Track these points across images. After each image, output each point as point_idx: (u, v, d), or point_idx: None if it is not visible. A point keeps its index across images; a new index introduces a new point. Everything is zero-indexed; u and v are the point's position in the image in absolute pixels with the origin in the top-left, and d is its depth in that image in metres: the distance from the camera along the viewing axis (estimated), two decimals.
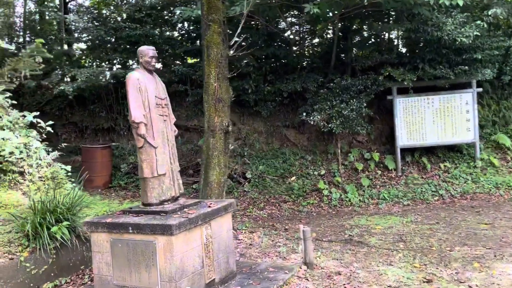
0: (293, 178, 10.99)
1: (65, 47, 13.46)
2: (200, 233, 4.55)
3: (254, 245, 6.76)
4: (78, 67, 11.76)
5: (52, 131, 8.31)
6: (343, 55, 12.32)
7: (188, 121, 12.43)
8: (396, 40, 13.33)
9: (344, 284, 4.93)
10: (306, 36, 13.27)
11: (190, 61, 13.09)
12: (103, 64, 13.00)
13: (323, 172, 11.03)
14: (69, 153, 13.00)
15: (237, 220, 8.55)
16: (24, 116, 8.11)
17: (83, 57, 13.55)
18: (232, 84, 11.56)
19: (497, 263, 5.45)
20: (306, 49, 13.32)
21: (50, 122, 8.27)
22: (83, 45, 13.55)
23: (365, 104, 10.39)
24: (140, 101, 4.65)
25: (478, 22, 9.58)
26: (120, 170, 11.81)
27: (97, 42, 12.01)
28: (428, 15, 9.77)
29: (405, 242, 6.70)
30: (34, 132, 8.10)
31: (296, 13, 12.10)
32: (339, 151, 11.17)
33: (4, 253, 5.25)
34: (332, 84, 10.76)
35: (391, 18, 11.73)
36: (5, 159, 7.12)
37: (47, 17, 14.13)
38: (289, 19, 12.62)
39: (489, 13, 9.24)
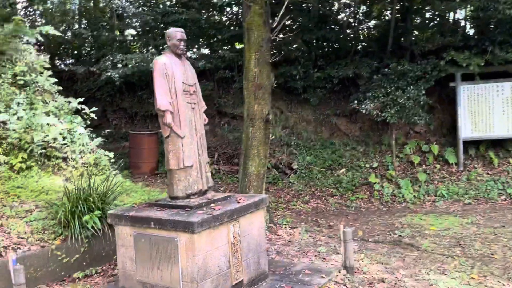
0: (342, 170, 10.37)
1: (117, 33, 13.60)
2: (226, 231, 4.20)
3: (293, 242, 6.33)
4: (126, 53, 11.79)
5: (96, 117, 8.32)
6: (401, 38, 11.37)
7: (235, 109, 12.14)
8: (462, 21, 12.12)
9: None
10: (362, 18, 12.41)
11: (238, 46, 12.72)
12: (153, 50, 12.98)
13: (375, 164, 10.31)
14: (120, 139, 13.24)
15: (278, 213, 8.16)
16: (69, 102, 8.17)
17: (133, 44, 13.63)
18: (279, 70, 11.13)
19: None
20: (361, 32, 12.47)
21: (94, 109, 8.28)
22: (133, 31, 13.63)
23: (423, 92, 9.49)
24: (167, 87, 4.34)
25: None
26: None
27: (146, 28, 11.97)
28: None
29: (463, 247, 5.96)
30: (79, 118, 8.15)
31: None
32: (394, 142, 10.36)
33: (36, 240, 5.23)
34: (387, 70, 9.94)
35: None
36: (49, 144, 7.19)
37: (101, 4, 14.38)
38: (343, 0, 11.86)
39: None
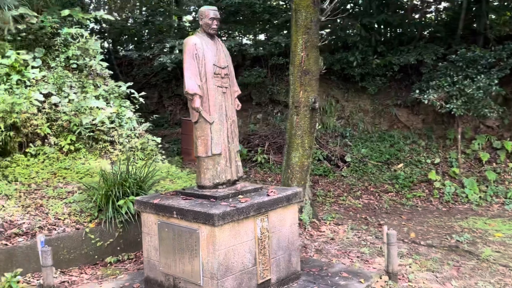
0: (400, 165, 9.63)
1: (175, 19, 13.65)
2: (253, 225, 3.89)
3: (335, 240, 5.89)
4: (182, 39, 11.77)
5: (144, 101, 8.34)
6: (474, 21, 10.28)
7: (288, 97, 11.70)
8: None
9: None
10: (430, 0, 11.39)
11: None
12: None
13: (437, 160, 9.46)
14: (174, 125, 13.35)
15: (324, 208, 7.70)
16: (119, 86, 8.23)
17: (190, 30, 13.61)
18: (335, 56, 10.54)
19: None
20: (428, 16, 11.45)
21: (143, 94, 8.29)
22: (190, 17, 13.61)
23: (496, 81, 8.46)
24: (196, 69, 4.08)
25: None
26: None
27: None
28: None
29: None
30: (128, 102, 8.20)
31: None
32: (460, 136, 9.42)
33: (72, 222, 5.26)
34: (454, 57, 8.98)
35: None
36: (97, 128, 7.28)
37: None
38: None
39: None
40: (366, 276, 4.43)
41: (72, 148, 6.96)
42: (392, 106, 10.78)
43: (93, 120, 7.18)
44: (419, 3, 11.32)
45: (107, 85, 8.21)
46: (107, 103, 7.78)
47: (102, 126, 7.29)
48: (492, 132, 9.83)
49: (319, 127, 7.94)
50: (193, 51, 4.09)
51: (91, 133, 7.16)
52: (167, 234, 4.02)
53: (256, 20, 11.83)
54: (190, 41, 4.14)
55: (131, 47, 14.75)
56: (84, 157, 7.05)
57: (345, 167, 9.90)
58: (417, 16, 11.09)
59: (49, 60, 7.62)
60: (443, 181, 8.73)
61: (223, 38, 13.00)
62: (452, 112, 8.68)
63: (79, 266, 4.99)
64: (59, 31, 7.77)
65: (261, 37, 12.45)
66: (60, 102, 7.17)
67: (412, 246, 5.69)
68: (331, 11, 6.47)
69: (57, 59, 7.64)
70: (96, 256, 5.17)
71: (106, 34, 14.48)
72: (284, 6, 12.35)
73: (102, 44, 15.72)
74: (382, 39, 10.62)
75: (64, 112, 7.06)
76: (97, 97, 7.71)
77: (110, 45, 14.77)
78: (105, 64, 8.27)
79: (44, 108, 6.91)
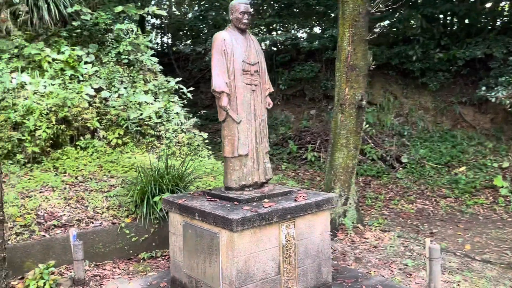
0: (462, 168, 8.86)
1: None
2: (277, 232, 3.67)
3: (378, 249, 5.49)
4: None
5: (192, 97, 8.35)
6: None
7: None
8: None
9: None
10: None
11: None
12: (264, 30, 12.70)
13: (506, 164, 8.58)
14: None
15: (372, 212, 7.25)
16: (168, 81, 8.31)
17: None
18: (392, 50, 9.90)
19: None
20: (501, 5, 10.38)
21: (191, 89, 8.31)
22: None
23: None
24: (224, 66, 3.91)
25: None
26: (269, 140, 11.49)
27: (254, 7, 11.69)
28: None
29: None
30: (176, 97, 8.27)
31: None
32: None
33: (110, 216, 5.34)
34: None
35: None
36: (144, 122, 7.40)
37: None
38: None
39: None
40: None
41: (119, 142, 7.13)
42: (456, 103, 9.96)
43: (140, 115, 7.30)
44: None
45: (157, 80, 8.32)
46: (155, 98, 7.89)
47: (149, 121, 7.40)
48: None
49: (366, 126, 7.47)
50: (222, 47, 3.93)
51: (138, 128, 7.28)
52: (191, 235, 3.92)
53: (311, 13, 11.45)
54: (219, 36, 3.99)
55: (189, 42, 14.97)
56: (131, 151, 7.19)
57: (400, 168, 9.30)
58: (488, 5, 10.09)
59: (101, 56, 7.86)
60: (511, 188, 7.89)
61: (278, 32, 12.78)
62: None
63: (113, 260, 5.06)
64: (111, 27, 7.98)
65: (316, 30, 12.03)
66: (110, 96, 7.37)
67: (465, 260, 5.15)
68: (384, 1, 6.01)
69: (109, 54, 7.85)
70: (131, 251, 5.22)
71: (165, 29, 14.81)
72: None
73: (162, 39, 16.20)
74: (446, 30, 9.78)
75: (113, 107, 7.24)
76: (146, 92, 7.84)
77: (169, 39, 15.09)
78: (155, 59, 8.37)
79: (94, 103, 7.13)
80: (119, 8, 8.13)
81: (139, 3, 8.62)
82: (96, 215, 5.27)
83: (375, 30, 10.44)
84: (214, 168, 7.37)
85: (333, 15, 11.74)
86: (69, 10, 7.44)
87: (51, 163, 6.37)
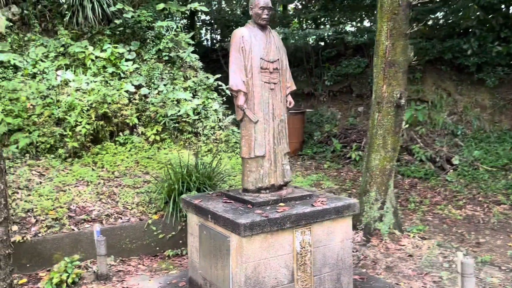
0: None
1: (280, 8, 13.43)
2: (291, 238, 3.50)
3: (414, 258, 5.13)
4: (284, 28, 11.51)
5: (230, 94, 8.29)
6: None
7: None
8: None
9: None
10: None
11: None
12: (312, 24, 12.39)
13: None
14: None
15: (414, 217, 6.81)
16: (208, 78, 8.31)
17: (294, 19, 13.27)
18: (445, 44, 9.24)
19: None
20: None
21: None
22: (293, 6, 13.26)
23: None
24: (241, 64, 3.79)
25: None
26: (313, 138, 11.23)
27: (302, 2, 11.43)
28: None
29: None
30: (215, 94, 8.25)
31: None
32: None
33: (138, 212, 5.42)
34: None
35: None
36: (182, 119, 7.46)
37: None
38: None
39: None
40: None
41: (157, 138, 7.23)
42: None
43: (178, 111, 7.36)
44: None
45: (196, 77, 8.35)
46: (194, 95, 7.92)
47: (187, 117, 7.44)
48: None
49: (405, 126, 7.00)
50: (240, 44, 3.80)
51: (176, 124, 7.35)
52: (205, 237, 3.85)
53: (359, 6, 10.98)
54: (238, 33, 3.86)
55: None
56: (168, 147, 7.28)
57: (451, 170, 8.68)
58: None
59: (143, 53, 8.01)
60: None
61: (327, 26, 12.40)
62: None
63: (139, 256, 5.13)
64: (153, 24, 8.10)
65: (366, 24, 11.54)
66: (149, 93, 7.50)
67: (510, 276, 4.66)
68: None
69: (150, 51, 7.98)
70: (157, 248, 5.26)
71: (214, 26, 14.91)
72: None
73: (211, 35, 16.33)
74: (507, 22, 8.95)
75: (152, 103, 7.36)
76: (185, 89, 7.89)
77: (218, 35, 15.19)
78: (196, 56, 8.41)
79: (134, 99, 7.28)
80: (161, 6, 8.23)
81: (175, 0, 8.62)
82: (126, 211, 5.36)
83: (428, 22, 9.82)
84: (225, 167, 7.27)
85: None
86: (112, 8, 7.63)
87: (90, 158, 6.57)
